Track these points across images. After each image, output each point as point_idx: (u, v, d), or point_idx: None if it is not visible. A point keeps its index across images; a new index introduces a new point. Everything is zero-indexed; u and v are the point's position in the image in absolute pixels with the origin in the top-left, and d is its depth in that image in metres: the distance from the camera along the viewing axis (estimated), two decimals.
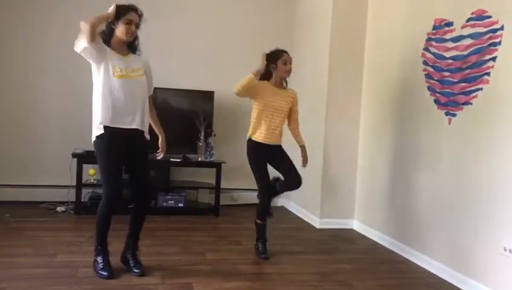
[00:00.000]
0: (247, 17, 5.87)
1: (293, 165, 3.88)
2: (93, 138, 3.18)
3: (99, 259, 3.22)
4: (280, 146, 3.91)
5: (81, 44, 3.02)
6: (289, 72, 3.82)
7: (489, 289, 3.11)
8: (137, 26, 3.17)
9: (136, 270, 3.26)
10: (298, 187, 3.86)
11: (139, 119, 3.20)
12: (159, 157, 3.49)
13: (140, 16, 3.19)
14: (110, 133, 3.12)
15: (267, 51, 3.77)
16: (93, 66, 3.14)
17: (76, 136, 5.19)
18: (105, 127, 3.11)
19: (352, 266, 3.74)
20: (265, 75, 3.82)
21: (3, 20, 5.25)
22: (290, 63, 3.81)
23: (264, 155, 3.83)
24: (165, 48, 5.50)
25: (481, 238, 3.22)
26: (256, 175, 3.83)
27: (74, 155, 4.96)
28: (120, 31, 3.12)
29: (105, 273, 3.16)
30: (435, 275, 3.61)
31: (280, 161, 3.88)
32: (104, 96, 3.10)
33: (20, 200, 5.22)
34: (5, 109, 5.31)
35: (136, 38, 3.25)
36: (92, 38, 2.96)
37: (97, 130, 3.14)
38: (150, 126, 3.38)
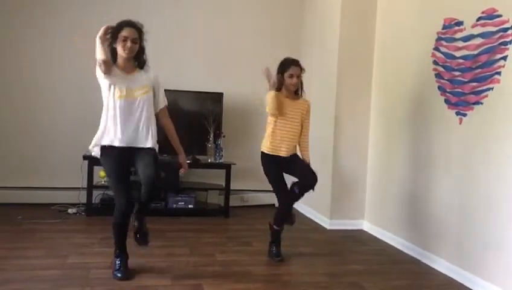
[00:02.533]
0: (256, 19, 5.86)
1: (306, 165, 3.82)
2: (97, 151, 3.24)
3: (117, 261, 3.25)
4: (295, 155, 3.85)
5: (99, 75, 3.12)
6: (295, 85, 3.72)
7: (500, 289, 3.10)
8: (135, 41, 3.13)
9: (139, 239, 3.32)
10: (315, 183, 3.75)
11: (142, 138, 3.20)
12: (181, 174, 3.54)
13: (138, 29, 3.16)
14: (110, 151, 3.17)
15: (268, 66, 3.67)
16: (102, 86, 3.18)
17: (87, 138, 5.12)
18: (104, 147, 3.18)
19: (363, 267, 3.72)
20: (279, 85, 3.75)
21: (14, 22, 5.29)
22: (298, 77, 3.69)
23: (279, 166, 3.77)
24: (174, 49, 5.53)
25: (493, 239, 3.19)
26: (274, 186, 3.80)
27: (85, 157, 4.98)
28: (119, 49, 3.13)
29: (119, 275, 3.18)
30: (447, 275, 3.59)
31: (294, 166, 3.81)
32: (107, 116, 3.17)
33: (31, 202, 5.26)
34: (16, 112, 5.35)
35: (141, 52, 3.23)
36: (107, 72, 3.05)
37: (97, 145, 3.21)
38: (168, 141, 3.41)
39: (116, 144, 3.16)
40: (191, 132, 5.35)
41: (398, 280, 3.51)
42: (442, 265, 3.68)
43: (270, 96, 3.61)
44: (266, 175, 3.82)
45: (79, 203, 5.14)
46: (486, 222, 3.26)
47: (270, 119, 3.76)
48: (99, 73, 3.11)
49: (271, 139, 3.75)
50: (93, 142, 3.24)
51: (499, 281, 3.13)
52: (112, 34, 3.12)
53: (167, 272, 3.35)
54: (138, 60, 3.26)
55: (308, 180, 3.73)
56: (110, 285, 3.08)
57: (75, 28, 5.29)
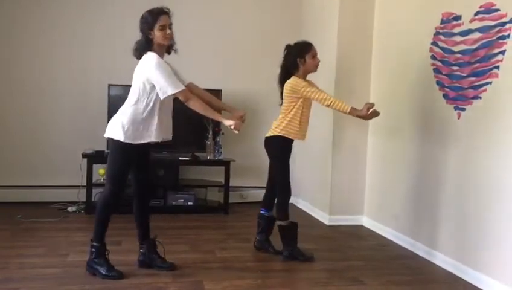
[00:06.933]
0: (254, 16, 5.85)
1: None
2: (116, 136, 3.10)
3: (102, 261, 3.18)
4: None
5: (174, 89, 3.09)
6: (317, 66, 3.73)
7: (501, 284, 3.10)
8: (171, 27, 3.15)
9: (164, 265, 3.32)
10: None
11: (171, 129, 3.32)
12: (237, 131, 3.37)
13: (169, 14, 3.16)
14: (136, 146, 3.14)
15: (291, 43, 3.71)
16: (147, 85, 3.09)
17: (85, 137, 5.23)
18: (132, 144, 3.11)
19: (362, 263, 3.73)
20: (289, 69, 3.69)
21: (12, 21, 5.29)
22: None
23: (290, 152, 3.77)
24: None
25: (492, 233, 3.20)
26: (284, 173, 3.71)
27: (84, 155, 4.99)
28: (158, 37, 3.09)
29: (116, 274, 3.15)
30: (447, 270, 3.59)
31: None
32: (153, 112, 3.12)
33: (31, 201, 5.26)
34: (15, 111, 5.35)
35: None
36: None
37: (126, 137, 3.09)
38: None
39: (156, 139, 3.15)
40: (190, 129, 5.34)
41: (398, 275, 3.52)
42: (442, 260, 3.69)
43: (346, 108, 3.53)
44: (281, 160, 3.71)
45: (78, 202, 5.14)
46: (486, 216, 3.27)
47: (297, 105, 3.65)
48: (167, 90, 3.05)
49: (298, 124, 3.66)
50: (128, 135, 3.09)
51: (499, 276, 3.13)
52: (148, 25, 3.07)
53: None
54: (170, 46, 3.24)
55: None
56: (110, 283, 3.08)
57: (75, 28, 5.29)
